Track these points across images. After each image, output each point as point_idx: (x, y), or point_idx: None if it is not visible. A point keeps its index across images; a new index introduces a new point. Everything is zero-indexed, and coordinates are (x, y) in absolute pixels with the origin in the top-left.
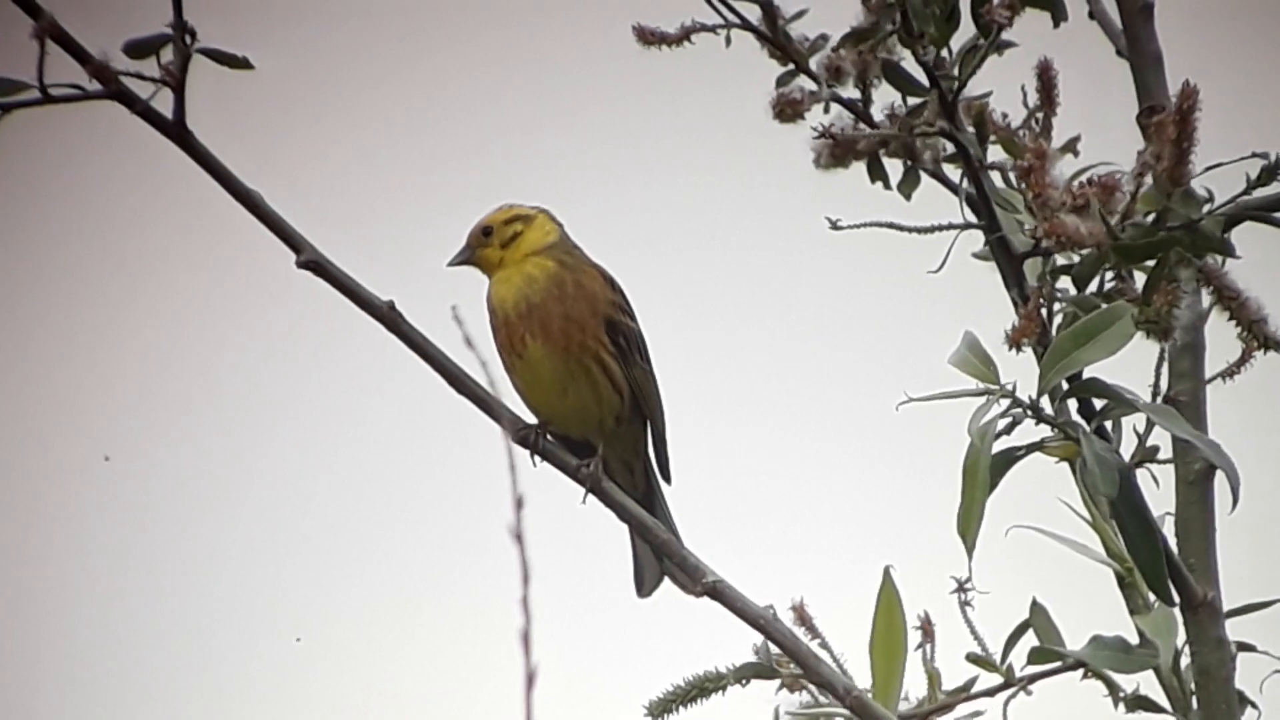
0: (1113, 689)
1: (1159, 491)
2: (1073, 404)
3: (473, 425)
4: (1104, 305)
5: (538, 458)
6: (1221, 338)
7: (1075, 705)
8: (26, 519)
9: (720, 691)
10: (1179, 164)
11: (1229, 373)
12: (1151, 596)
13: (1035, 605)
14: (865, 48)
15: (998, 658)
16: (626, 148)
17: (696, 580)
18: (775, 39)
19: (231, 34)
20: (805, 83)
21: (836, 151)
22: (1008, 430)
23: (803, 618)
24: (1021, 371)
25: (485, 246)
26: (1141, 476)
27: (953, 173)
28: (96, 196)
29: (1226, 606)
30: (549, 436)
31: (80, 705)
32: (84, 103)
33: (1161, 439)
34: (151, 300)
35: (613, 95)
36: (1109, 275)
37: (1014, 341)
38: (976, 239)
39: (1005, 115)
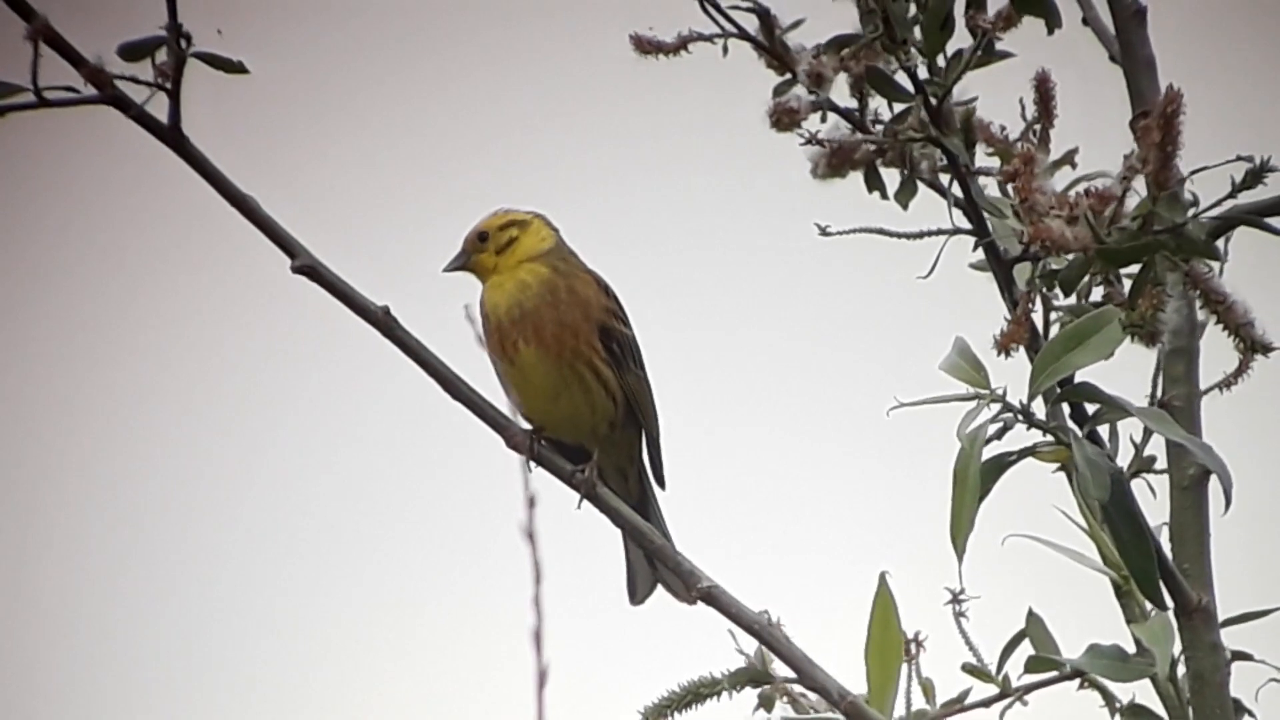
0: (1109, 699)
1: (1155, 502)
2: (1066, 410)
3: (472, 427)
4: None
5: (533, 463)
6: (1220, 346)
7: (1071, 715)
8: (26, 519)
9: (715, 697)
10: (1164, 167)
11: (1226, 383)
12: (1148, 605)
13: (1031, 614)
14: (847, 54)
15: (994, 667)
16: (623, 152)
17: (691, 585)
18: (772, 49)
19: (226, 37)
20: (802, 92)
21: (833, 162)
22: (999, 435)
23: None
24: (1017, 378)
25: (481, 252)
26: (1137, 486)
27: (947, 181)
28: (91, 201)
29: (1223, 614)
30: (543, 442)
31: (80, 705)
32: (78, 107)
33: (1158, 449)
34: (147, 304)
35: (609, 100)
36: (1099, 280)
37: (1003, 346)
38: (974, 245)
39: (1004, 128)
